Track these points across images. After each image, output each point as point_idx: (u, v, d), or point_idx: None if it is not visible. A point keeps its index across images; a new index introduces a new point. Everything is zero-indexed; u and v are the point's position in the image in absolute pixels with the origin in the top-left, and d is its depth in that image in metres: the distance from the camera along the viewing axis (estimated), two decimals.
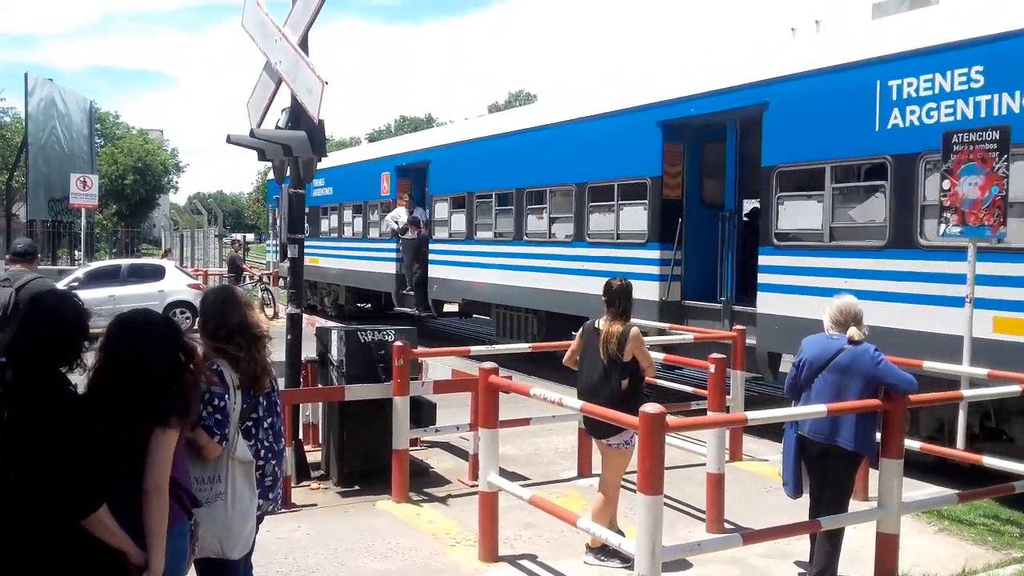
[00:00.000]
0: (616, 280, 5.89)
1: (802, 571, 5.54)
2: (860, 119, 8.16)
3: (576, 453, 7.83)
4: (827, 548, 5.13)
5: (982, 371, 6.56)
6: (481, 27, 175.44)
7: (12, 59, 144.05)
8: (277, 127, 7.46)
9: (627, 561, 5.30)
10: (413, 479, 7.17)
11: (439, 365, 10.84)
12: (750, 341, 8.95)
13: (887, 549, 5.19)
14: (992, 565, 5.71)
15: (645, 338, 5.95)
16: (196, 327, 4.04)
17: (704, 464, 6.47)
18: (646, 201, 10.97)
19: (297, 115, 7.24)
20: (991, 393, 6.06)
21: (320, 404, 7.97)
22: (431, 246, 16.41)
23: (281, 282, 21.80)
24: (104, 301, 15.59)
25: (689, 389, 9.12)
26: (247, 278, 22.53)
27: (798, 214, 8.99)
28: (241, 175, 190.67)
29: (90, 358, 3.09)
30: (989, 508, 6.91)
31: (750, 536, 5.08)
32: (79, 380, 3.07)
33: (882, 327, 7.19)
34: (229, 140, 7.44)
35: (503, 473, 6.27)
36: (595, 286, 11.22)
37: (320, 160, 7.59)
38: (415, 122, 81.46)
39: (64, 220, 31.41)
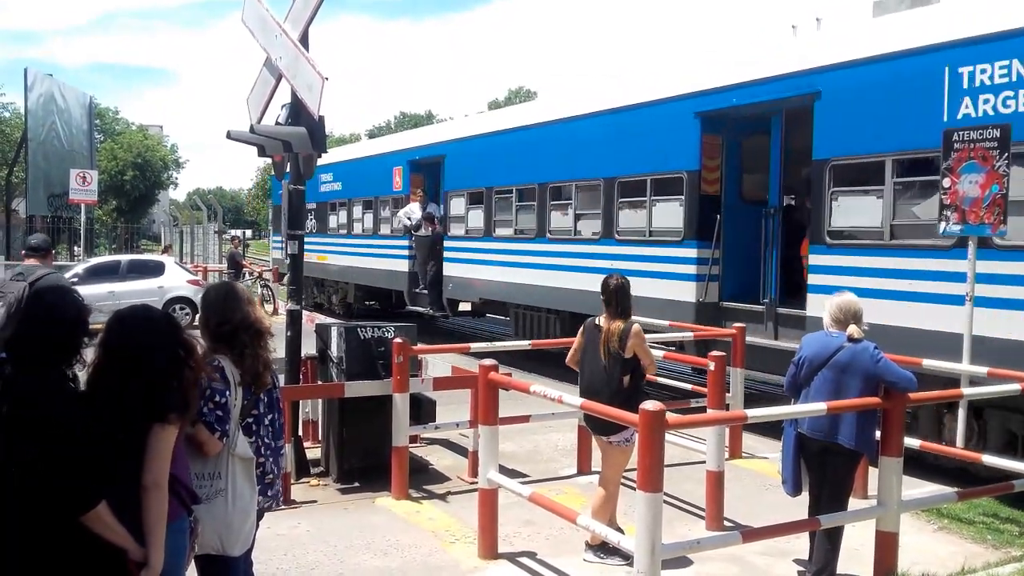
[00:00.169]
0: (613, 278, 5.86)
1: (801, 569, 5.54)
2: (925, 108, 7.62)
3: (576, 450, 7.83)
4: (826, 546, 5.13)
5: (982, 369, 6.56)
6: (482, 23, 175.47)
7: (13, 55, 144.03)
8: (277, 123, 7.45)
9: (627, 558, 5.30)
10: (413, 476, 7.18)
11: (439, 362, 10.84)
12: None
13: (886, 547, 5.19)
14: (991, 563, 5.71)
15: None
16: (196, 323, 4.04)
17: (704, 462, 6.47)
18: (682, 197, 10.42)
19: (297, 111, 7.23)
20: (991, 392, 6.05)
21: (320, 401, 7.96)
22: (446, 243, 15.93)
23: (285, 279, 21.65)
24: (104, 297, 15.59)
25: (688, 386, 9.14)
26: (247, 274, 22.52)
27: (854, 211, 8.43)
28: (241, 171, 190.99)
29: (90, 354, 3.08)
30: (988, 506, 6.91)
31: (749, 534, 5.08)
32: (80, 376, 3.07)
33: (951, 333, 6.98)
34: (229, 136, 7.43)
35: (503, 470, 6.28)
36: None
37: (320, 156, 7.57)
38: (415, 118, 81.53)
39: (64, 216, 31.44)
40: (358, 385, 7.17)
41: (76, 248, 30.13)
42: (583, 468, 7.73)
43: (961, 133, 6.72)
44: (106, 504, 2.83)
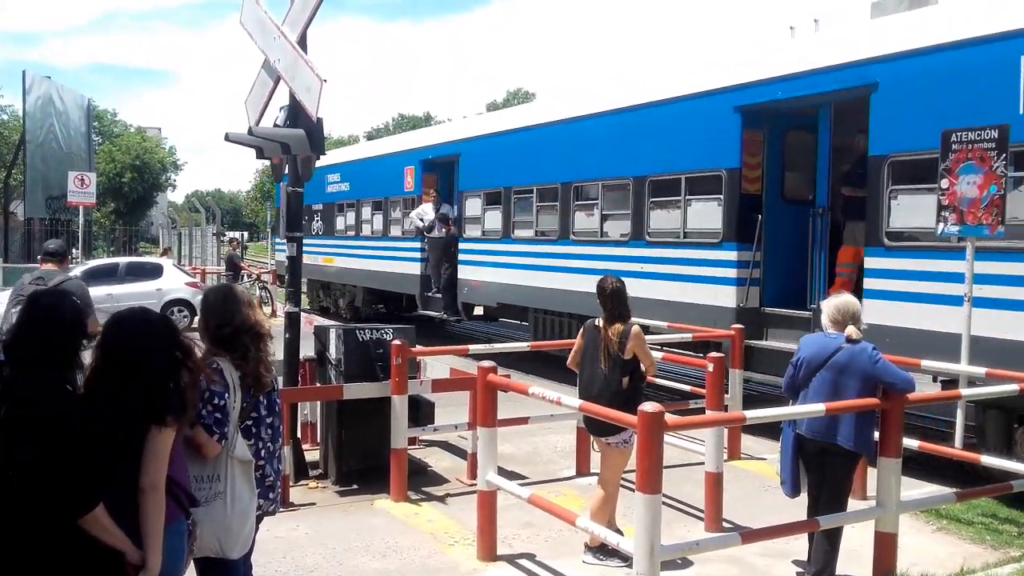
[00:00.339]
0: (609, 281, 5.81)
1: (800, 570, 5.54)
2: (998, 100, 7.09)
3: (575, 452, 7.83)
4: (825, 547, 5.13)
5: (980, 370, 6.56)
6: (481, 25, 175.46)
7: (12, 57, 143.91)
8: (276, 125, 7.45)
9: (626, 560, 5.31)
10: (411, 478, 7.17)
11: (438, 364, 10.83)
12: None
13: (885, 548, 5.19)
14: (990, 564, 5.71)
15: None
16: (195, 326, 4.04)
17: (703, 463, 6.47)
18: (721, 196, 9.79)
19: (296, 113, 7.23)
20: (990, 392, 6.05)
21: (318, 403, 7.96)
22: (461, 246, 15.30)
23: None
24: (102, 299, 15.51)
25: (687, 388, 9.13)
26: (245, 276, 22.50)
27: (917, 210, 7.77)
28: (239, 173, 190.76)
29: (88, 356, 3.09)
30: (987, 507, 6.91)
31: (749, 535, 5.08)
32: (79, 378, 3.07)
33: None
34: (227, 138, 7.42)
35: (501, 472, 6.28)
36: (656, 289, 10.81)
37: (319, 158, 7.58)
38: (413, 120, 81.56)
39: (62, 218, 31.38)
40: (357, 387, 7.17)
41: (74, 251, 30.08)
42: (582, 470, 7.72)
43: (959, 134, 6.72)
44: (103, 507, 2.83)
